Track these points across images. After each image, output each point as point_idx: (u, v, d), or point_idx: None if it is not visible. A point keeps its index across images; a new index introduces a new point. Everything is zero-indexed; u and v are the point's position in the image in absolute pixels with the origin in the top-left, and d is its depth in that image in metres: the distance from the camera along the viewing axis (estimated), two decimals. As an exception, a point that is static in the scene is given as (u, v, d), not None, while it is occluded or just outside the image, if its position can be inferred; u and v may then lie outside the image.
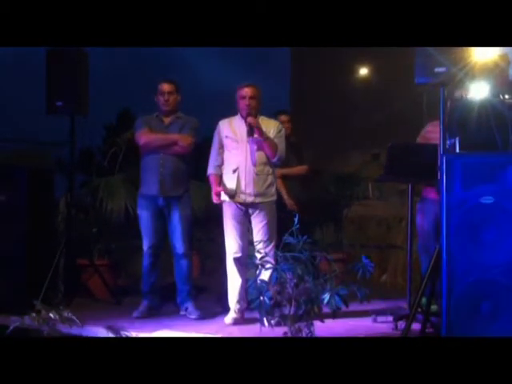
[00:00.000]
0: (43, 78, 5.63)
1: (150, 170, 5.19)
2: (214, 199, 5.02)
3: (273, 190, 5.00)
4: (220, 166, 5.04)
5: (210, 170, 5.08)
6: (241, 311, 4.98)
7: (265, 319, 4.15)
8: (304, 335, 3.82)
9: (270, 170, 4.98)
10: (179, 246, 5.19)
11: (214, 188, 5.02)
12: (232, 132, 5.00)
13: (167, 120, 5.26)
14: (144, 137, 5.19)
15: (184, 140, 5.16)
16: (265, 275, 4.27)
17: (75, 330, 4.25)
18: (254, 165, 4.89)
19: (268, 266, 4.16)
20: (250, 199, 4.90)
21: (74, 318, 4.32)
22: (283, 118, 5.94)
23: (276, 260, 4.05)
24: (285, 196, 5.78)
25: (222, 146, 5.05)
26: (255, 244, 4.89)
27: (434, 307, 4.34)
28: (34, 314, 4.29)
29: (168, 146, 5.14)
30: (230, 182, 4.94)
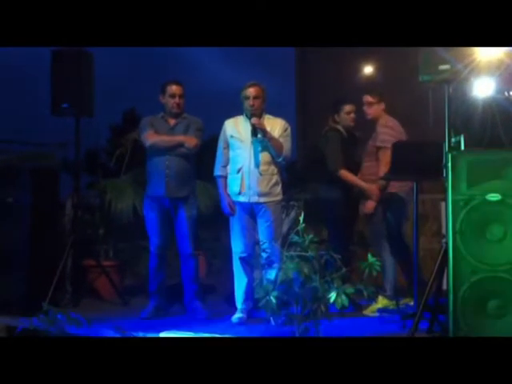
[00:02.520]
0: (48, 79, 5.65)
1: (156, 172, 5.20)
2: (226, 210, 5.03)
3: (278, 189, 4.99)
4: (225, 166, 5.05)
5: (217, 172, 5.09)
6: (248, 311, 4.99)
7: (272, 318, 4.15)
8: (311, 334, 3.82)
9: (275, 170, 4.97)
10: (186, 246, 5.20)
11: (225, 197, 5.02)
12: (237, 132, 5.00)
13: (172, 121, 5.26)
14: (150, 138, 5.20)
15: (189, 141, 5.16)
16: (271, 274, 4.28)
17: (83, 331, 4.27)
18: (257, 166, 4.88)
19: (274, 265, 4.17)
20: (254, 199, 4.90)
21: (82, 318, 4.34)
22: (347, 108, 5.53)
23: (282, 259, 4.05)
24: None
25: (227, 146, 5.05)
26: (261, 243, 4.90)
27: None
28: (41, 315, 4.31)
29: (174, 147, 5.14)
30: (234, 181, 4.95)
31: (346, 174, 5.41)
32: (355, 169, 5.51)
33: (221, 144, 5.09)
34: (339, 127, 5.53)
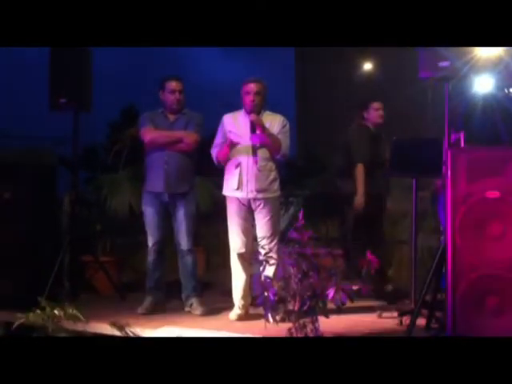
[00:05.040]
0: (47, 75, 5.63)
1: (155, 167, 5.18)
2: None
3: (276, 185, 4.97)
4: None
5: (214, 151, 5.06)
6: (245, 307, 4.98)
7: (269, 315, 4.14)
8: (309, 331, 3.82)
9: (273, 166, 4.95)
10: (184, 242, 5.19)
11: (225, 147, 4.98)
12: (236, 127, 4.98)
13: (172, 117, 5.24)
14: (149, 134, 5.18)
15: (189, 137, 5.15)
16: (269, 271, 4.27)
17: (80, 327, 4.26)
18: (256, 162, 4.86)
19: (272, 261, 4.16)
20: (252, 195, 4.89)
21: (79, 314, 4.33)
22: (376, 105, 5.65)
23: (280, 255, 4.05)
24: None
25: (225, 140, 5.03)
26: (259, 240, 4.89)
27: None
28: (38, 311, 4.30)
29: (173, 143, 5.13)
30: (232, 177, 4.93)
31: (361, 170, 5.44)
32: (381, 165, 5.53)
33: (218, 137, 5.05)
34: (368, 124, 5.58)
